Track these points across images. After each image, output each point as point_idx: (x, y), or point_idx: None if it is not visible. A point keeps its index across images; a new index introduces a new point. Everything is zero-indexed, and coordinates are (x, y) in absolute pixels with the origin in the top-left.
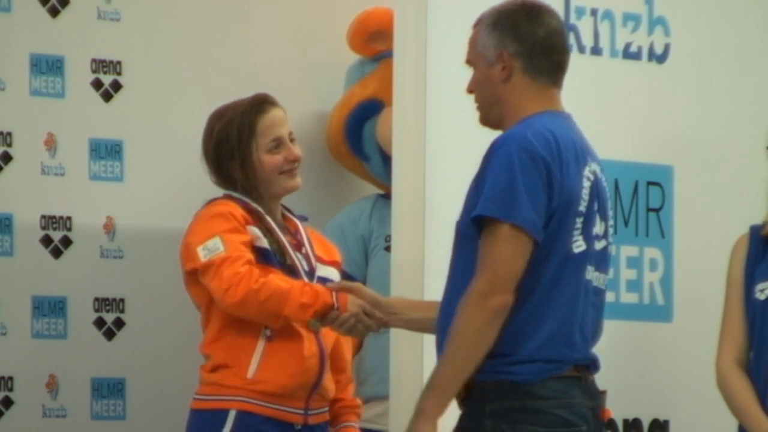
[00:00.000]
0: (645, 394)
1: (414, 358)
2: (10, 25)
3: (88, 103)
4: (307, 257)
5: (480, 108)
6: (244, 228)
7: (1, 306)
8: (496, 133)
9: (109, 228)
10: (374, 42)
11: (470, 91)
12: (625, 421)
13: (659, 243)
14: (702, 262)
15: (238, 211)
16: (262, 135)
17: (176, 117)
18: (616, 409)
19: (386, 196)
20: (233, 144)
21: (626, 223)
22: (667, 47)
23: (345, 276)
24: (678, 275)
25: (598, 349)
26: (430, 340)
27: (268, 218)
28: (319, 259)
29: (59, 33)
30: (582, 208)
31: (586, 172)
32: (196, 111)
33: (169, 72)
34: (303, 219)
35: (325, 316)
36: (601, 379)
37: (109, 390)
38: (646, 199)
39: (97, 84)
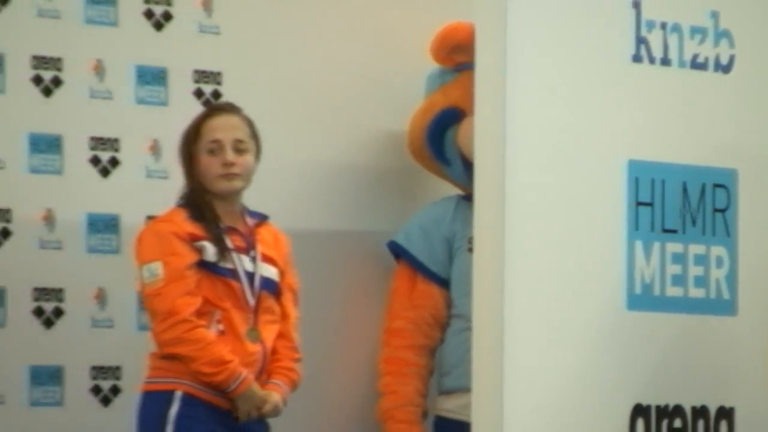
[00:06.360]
0: (711, 382)
1: (495, 352)
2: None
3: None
4: (253, 260)
5: None
6: (189, 246)
7: None
8: (574, 141)
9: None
10: (456, 54)
11: None
12: (693, 408)
13: (725, 241)
14: (765, 260)
15: (184, 229)
16: (204, 136)
17: (263, 128)
18: (685, 397)
19: (467, 198)
20: (185, 144)
21: (694, 223)
22: (731, 58)
23: (421, 269)
24: (742, 272)
25: (668, 341)
26: (510, 334)
27: (216, 225)
28: (266, 259)
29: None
30: None
31: None
32: (281, 121)
33: (258, 84)
34: (262, 218)
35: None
36: (671, 370)
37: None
38: (713, 201)
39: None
